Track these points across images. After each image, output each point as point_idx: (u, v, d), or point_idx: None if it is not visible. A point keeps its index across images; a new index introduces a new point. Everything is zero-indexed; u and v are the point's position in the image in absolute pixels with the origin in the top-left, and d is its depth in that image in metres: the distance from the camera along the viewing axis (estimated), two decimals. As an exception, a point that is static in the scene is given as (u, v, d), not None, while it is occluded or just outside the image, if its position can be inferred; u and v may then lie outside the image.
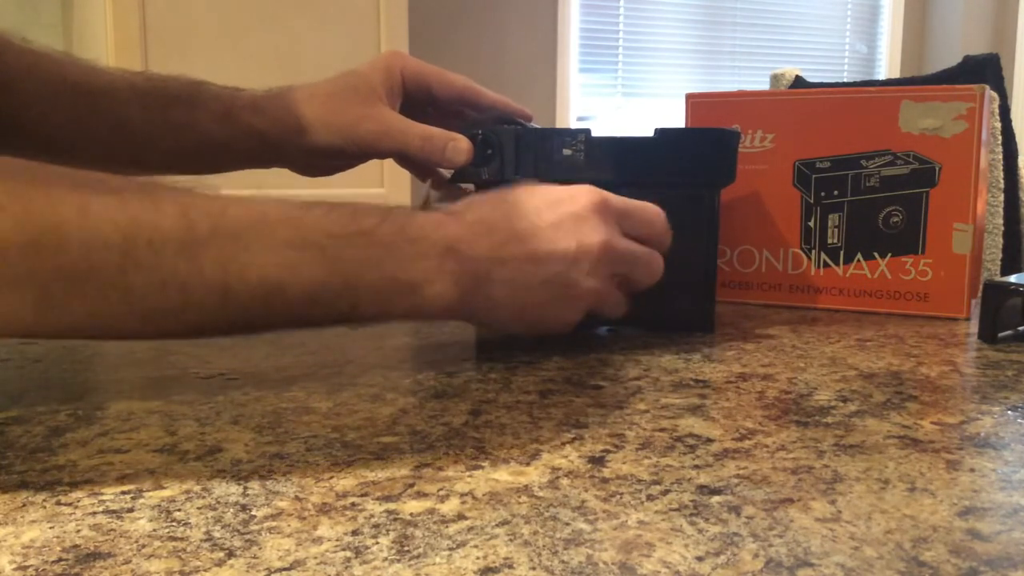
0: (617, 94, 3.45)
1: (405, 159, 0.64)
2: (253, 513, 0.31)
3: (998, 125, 1.35)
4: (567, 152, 0.58)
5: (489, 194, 0.51)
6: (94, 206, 0.38)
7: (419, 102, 0.65)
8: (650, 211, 0.53)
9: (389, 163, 0.65)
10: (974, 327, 0.61)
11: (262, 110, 0.63)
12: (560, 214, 0.49)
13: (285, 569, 0.27)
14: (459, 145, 0.59)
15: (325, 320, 0.45)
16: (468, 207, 0.49)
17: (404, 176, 2.34)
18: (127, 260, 0.38)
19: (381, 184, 2.06)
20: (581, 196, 0.50)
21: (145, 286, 0.39)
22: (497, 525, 0.30)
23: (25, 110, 0.61)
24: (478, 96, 0.65)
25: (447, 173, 0.65)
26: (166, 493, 0.32)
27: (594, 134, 0.58)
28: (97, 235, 0.38)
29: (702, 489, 0.33)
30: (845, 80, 3.54)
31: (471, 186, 0.61)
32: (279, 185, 0.70)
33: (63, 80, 0.62)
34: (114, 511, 0.31)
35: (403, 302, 0.45)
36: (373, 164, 0.68)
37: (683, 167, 0.58)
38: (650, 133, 0.58)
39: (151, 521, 0.30)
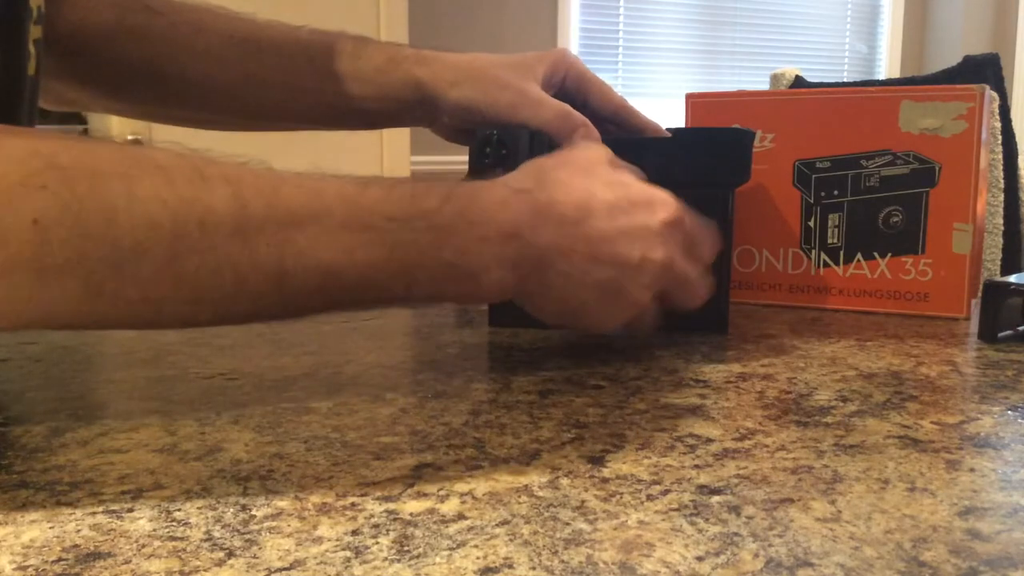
0: (617, 94, 3.45)
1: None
2: (253, 513, 0.31)
3: (998, 125, 1.35)
4: None
5: (567, 167, 0.48)
6: (142, 186, 0.36)
7: (572, 105, 0.62)
8: (713, 238, 0.53)
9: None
10: (974, 327, 0.61)
11: (425, 61, 0.61)
12: (633, 220, 0.47)
13: (285, 569, 0.27)
14: (591, 133, 0.57)
15: (377, 303, 0.44)
16: (541, 184, 0.47)
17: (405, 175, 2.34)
18: (178, 243, 0.37)
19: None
20: (659, 208, 0.48)
21: (198, 270, 0.37)
22: (497, 525, 0.30)
23: (194, 68, 0.61)
24: (631, 117, 0.62)
25: None
26: (166, 493, 0.32)
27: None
28: (145, 217, 0.36)
29: (702, 489, 0.33)
30: (845, 80, 3.54)
31: None
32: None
33: (231, 36, 0.61)
34: (114, 511, 0.31)
35: (459, 287, 0.44)
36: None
37: (698, 167, 0.58)
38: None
39: (151, 521, 0.30)
